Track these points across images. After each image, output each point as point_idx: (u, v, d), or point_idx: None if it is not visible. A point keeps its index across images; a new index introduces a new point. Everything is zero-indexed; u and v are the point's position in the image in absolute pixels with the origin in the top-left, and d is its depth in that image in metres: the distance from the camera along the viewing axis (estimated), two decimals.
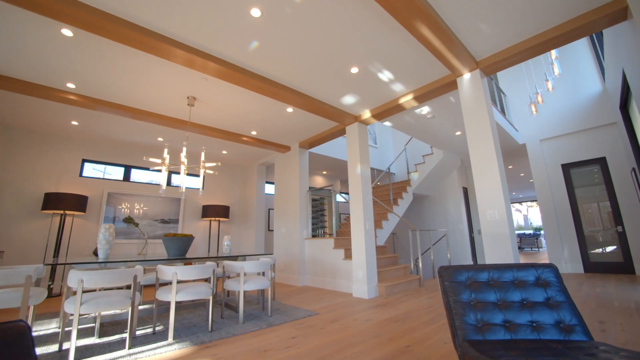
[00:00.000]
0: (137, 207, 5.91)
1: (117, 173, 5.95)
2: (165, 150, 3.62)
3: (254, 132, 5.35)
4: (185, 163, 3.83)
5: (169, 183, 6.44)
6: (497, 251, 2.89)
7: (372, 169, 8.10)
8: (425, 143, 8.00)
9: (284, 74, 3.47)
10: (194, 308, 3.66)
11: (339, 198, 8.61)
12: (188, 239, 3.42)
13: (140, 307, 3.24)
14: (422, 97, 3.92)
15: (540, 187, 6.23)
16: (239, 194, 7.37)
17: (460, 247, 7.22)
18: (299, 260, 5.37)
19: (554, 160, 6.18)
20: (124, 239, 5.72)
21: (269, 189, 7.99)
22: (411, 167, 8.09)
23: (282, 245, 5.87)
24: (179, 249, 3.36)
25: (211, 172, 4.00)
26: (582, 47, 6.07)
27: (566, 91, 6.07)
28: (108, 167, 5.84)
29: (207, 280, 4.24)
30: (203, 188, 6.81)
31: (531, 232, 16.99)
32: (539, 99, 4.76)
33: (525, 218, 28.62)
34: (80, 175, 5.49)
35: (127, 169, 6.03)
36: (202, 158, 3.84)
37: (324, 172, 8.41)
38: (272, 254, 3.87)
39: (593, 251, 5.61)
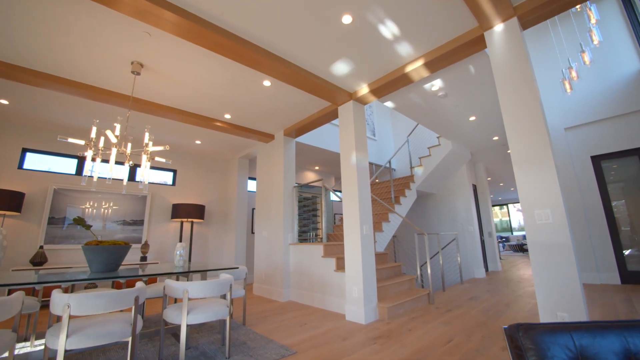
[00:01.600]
0: (94, 206, 4.97)
1: (68, 166, 5.01)
2: (94, 130, 2.69)
3: (227, 116, 4.43)
4: (128, 151, 2.91)
5: (132, 178, 5.50)
6: (553, 271, 2.00)
7: (370, 163, 7.20)
8: (431, 133, 7.12)
9: (255, 25, 2.55)
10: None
11: (333, 197, 7.70)
12: (119, 250, 2.50)
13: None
14: (435, 64, 3.02)
15: (565, 184, 5.36)
16: (218, 192, 6.44)
17: (471, 251, 6.34)
18: (283, 271, 4.46)
19: (582, 152, 5.31)
20: (76, 243, 4.79)
21: (253, 185, 7.06)
22: (414, 161, 7.20)
23: (263, 251, 4.96)
24: (105, 263, 2.45)
25: (163, 160, 3.09)
26: (615, 18, 5.21)
27: (596, 70, 5.20)
28: (56, 158, 4.90)
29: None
30: (164, 181, 5.88)
31: None
32: (573, 74, 3.88)
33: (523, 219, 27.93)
34: (20, 167, 4.54)
35: (81, 161, 5.09)
36: (146, 140, 2.91)
37: (317, 168, 7.50)
38: (238, 268, 2.95)
39: (631, 258, 4.75)
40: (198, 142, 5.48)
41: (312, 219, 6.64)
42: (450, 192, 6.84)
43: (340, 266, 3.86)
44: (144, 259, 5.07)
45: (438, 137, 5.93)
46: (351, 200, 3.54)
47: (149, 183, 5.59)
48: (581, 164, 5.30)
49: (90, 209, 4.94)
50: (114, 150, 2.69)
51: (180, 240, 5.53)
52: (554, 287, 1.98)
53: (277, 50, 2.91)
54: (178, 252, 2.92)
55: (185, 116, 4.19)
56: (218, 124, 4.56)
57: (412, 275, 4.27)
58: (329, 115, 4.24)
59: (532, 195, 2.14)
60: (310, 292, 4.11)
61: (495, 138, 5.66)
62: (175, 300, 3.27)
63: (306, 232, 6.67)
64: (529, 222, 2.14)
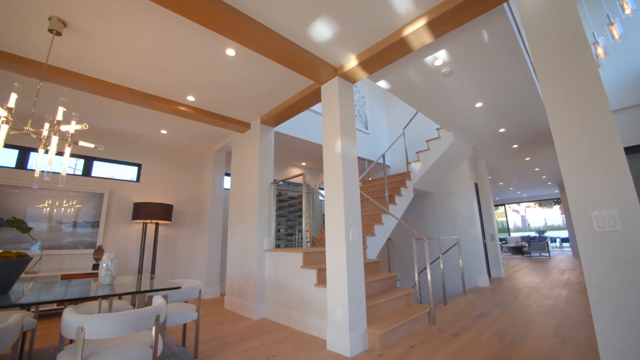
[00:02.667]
0: (37, 205, 4.21)
1: (7, 158, 4.24)
2: (14, 97, 1.95)
3: (190, 98, 3.72)
4: (47, 137, 2.18)
5: (87, 173, 4.74)
6: (623, 301, 1.34)
7: (361, 159, 6.53)
8: (429, 126, 6.49)
9: None
10: None
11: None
12: (6, 265, 1.78)
13: None
14: (441, 24, 2.36)
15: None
16: (191, 190, 5.71)
17: (473, 257, 5.72)
18: (256, 282, 3.75)
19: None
20: (13, 250, 4.02)
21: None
22: (411, 156, 6.56)
23: (237, 258, 4.25)
24: None
25: (91, 145, 2.38)
26: None
27: (622, 49, 4.62)
28: None
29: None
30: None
31: (534, 234, 15.72)
32: (600, 51, 3.27)
33: (523, 219, 27.61)
34: None
35: (24, 152, 4.32)
36: (59, 117, 2.18)
37: (303, 164, 6.81)
38: (181, 287, 2.24)
39: None
40: (164, 131, 4.75)
41: (299, 220, 5.95)
42: (450, 191, 6.21)
43: (322, 279, 3.18)
44: (96, 266, 4.32)
45: (438, 129, 5.29)
46: (335, 198, 2.86)
47: (108, 179, 4.84)
48: None
49: (41, 209, 4.18)
50: (54, 140, 1.96)
51: (143, 246, 4.78)
52: (628, 327, 1.32)
53: (238, 4, 2.22)
54: (104, 266, 2.20)
55: (136, 97, 3.47)
56: (182, 108, 3.85)
57: (409, 289, 3.60)
58: (312, 97, 3.55)
59: (588, 192, 1.49)
60: (287, 309, 3.42)
61: (502, 130, 5.04)
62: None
63: (292, 234, 5.98)
64: (582, 228, 1.48)
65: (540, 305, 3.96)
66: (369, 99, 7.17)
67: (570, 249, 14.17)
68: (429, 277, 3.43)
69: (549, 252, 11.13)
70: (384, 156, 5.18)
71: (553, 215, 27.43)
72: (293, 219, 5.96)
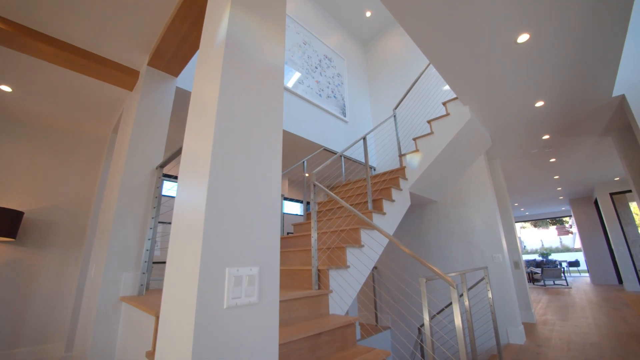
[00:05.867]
0: None
1: None
2: None
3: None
4: None
5: None
6: None
7: (332, 152, 4.72)
8: (432, 103, 4.78)
9: None
10: None
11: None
12: None
13: None
14: None
15: None
16: (71, 190, 3.70)
17: (498, 294, 3.86)
18: None
19: None
20: None
21: None
22: (406, 146, 4.82)
23: (84, 309, 2.25)
24: None
25: None
26: None
27: None
28: None
29: None
30: None
31: (539, 258, 13.99)
32: None
33: (520, 241, 26.11)
34: None
35: None
36: None
37: None
38: None
39: None
40: (6, 88, 2.84)
41: None
42: (462, 200, 4.42)
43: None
44: None
45: (446, 103, 3.59)
46: (195, 168, 0.99)
47: None
48: None
49: None
50: None
51: None
52: None
53: None
54: None
55: None
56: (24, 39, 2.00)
57: None
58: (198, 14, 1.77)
59: None
60: None
61: (540, 104, 3.38)
62: None
63: None
64: None
65: None
66: (348, 79, 5.50)
67: (587, 275, 12.47)
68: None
69: (566, 279, 9.36)
70: (365, 141, 3.37)
71: (550, 237, 26.00)
72: None
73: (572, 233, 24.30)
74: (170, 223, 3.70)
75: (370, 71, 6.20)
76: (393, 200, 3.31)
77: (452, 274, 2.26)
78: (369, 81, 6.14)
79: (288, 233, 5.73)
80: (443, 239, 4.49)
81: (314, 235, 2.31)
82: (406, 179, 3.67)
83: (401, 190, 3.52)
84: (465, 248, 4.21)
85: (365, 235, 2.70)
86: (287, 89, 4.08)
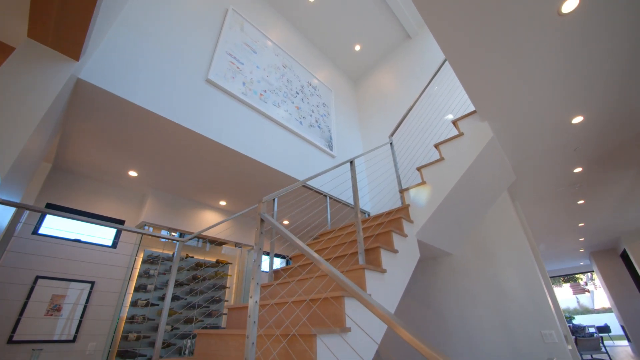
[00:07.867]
0: None
1: None
2: None
3: None
4: None
5: None
6: None
7: (318, 192, 3.75)
8: (434, 132, 3.97)
9: None
10: None
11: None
12: None
13: None
14: None
15: None
16: None
17: None
18: None
19: None
20: None
21: None
22: (408, 179, 3.88)
23: None
24: None
25: None
26: None
27: None
28: None
29: None
30: None
31: (571, 323, 12.12)
32: None
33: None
34: None
35: None
36: None
37: (222, 203, 3.99)
38: None
39: None
40: None
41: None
42: (487, 251, 3.34)
43: None
44: None
45: (456, 121, 2.79)
46: None
47: None
48: None
49: None
50: None
51: None
52: None
53: None
54: None
55: None
56: None
57: None
58: None
59: None
60: None
61: (578, 120, 2.58)
62: None
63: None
64: None
65: None
66: (336, 110, 4.83)
67: (626, 343, 10.56)
68: None
69: (607, 352, 7.68)
70: (353, 166, 2.46)
71: (564, 296, 23.63)
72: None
73: (589, 291, 22.18)
74: None
75: (361, 106, 5.62)
76: (396, 251, 2.27)
77: None
78: (360, 115, 5.51)
79: None
80: (463, 308, 3.28)
81: (253, 309, 1.24)
82: (411, 222, 2.67)
83: (406, 236, 2.50)
84: (498, 321, 3.00)
85: (352, 308, 1.60)
86: (247, 104, 3.31)
